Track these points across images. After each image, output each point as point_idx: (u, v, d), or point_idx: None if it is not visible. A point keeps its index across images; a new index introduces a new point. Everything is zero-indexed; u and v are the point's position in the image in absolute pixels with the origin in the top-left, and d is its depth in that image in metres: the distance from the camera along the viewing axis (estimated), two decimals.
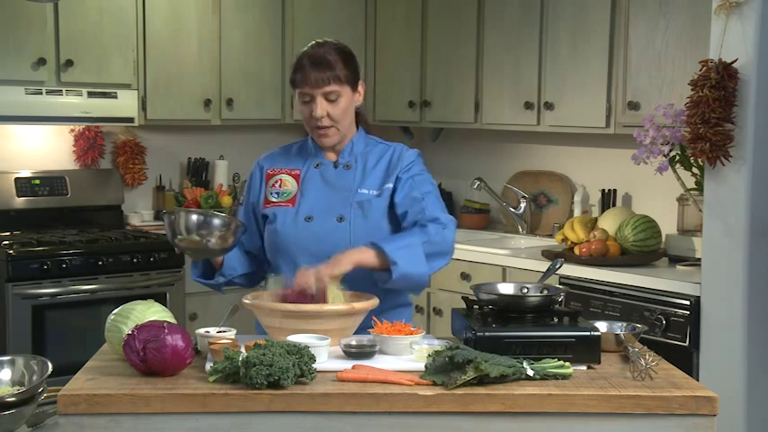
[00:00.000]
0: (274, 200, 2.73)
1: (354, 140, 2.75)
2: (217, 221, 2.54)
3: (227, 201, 5.23)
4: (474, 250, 4.62)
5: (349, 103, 2.69)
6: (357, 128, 2.78)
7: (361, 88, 2.73)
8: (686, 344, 3.70)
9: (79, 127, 5.05)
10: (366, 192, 2.69)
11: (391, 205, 2.69)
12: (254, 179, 2.81)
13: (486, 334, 2.31)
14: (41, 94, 4.60)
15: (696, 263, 3.95)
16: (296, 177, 2.74)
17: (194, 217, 2.53)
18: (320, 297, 2.46)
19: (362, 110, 2.82)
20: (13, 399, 2.25)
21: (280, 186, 2.74)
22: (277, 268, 2.71)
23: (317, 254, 2.60)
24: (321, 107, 2.64)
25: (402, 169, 2.71)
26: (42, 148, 5.04)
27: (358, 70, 2.73)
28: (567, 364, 2.25)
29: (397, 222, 2.70)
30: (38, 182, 4.93)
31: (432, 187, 2.74)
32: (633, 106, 4.29)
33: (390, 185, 2.70)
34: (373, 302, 2.49)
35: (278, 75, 5.33)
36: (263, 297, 2.56)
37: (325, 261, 2.52)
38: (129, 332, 2.22)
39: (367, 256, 2.54)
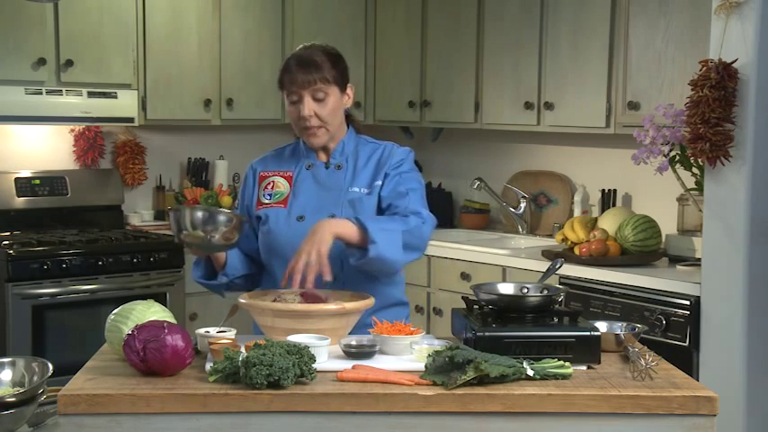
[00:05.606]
0: (267, 201, 2.75)
1: (345, 141, 2.76)
2: (221, 217, 2.57)
3: (227, 201, 5.24)
4: (474, 250, 4.63)
5: (337, 104, 2.70)
6: (347, 129, 2.79)
7: (350, 91, 2.75)
8: (686, 344, 3.70)
9: (79, 127, 5.05)
10: (357, 190, 2.70)
11: (378, 200, 2.70)
12: (247, 182, 2.84)
13: (486, 334, 2.31)
14: (41, 94, 4.60)
15: (696, 263, 3.95)
16: (288, 179, 2.76)
17: (199, 213, 2.57)
18: (325, 273, 2.45)
19: (352, 112, 2.84)
20: (14, 399, 2.26)
21: (272, 188, 2.76)
22: (271, 269, 2.73)
23: None
24: (309, 107, 2.66)
25: (391, 166, 2.72)
26: (42, 148, 5.04)
27: (346, 72, 2.74)
28: (567, 364, 2.25)
29: None
30: (38, 182, 4.92)
31: (418, 185, 2.74)
32: (633, 106, 4.28)
33: (379, 182, 2.71)
34: (367, 302, 2.48)
35: (278, 75, 5.30)
36: (258, 297, 2.57)
37: (304, 240, 2.49)
38: (129, 332, 2.22)
39: (348, 230, 2.51)
